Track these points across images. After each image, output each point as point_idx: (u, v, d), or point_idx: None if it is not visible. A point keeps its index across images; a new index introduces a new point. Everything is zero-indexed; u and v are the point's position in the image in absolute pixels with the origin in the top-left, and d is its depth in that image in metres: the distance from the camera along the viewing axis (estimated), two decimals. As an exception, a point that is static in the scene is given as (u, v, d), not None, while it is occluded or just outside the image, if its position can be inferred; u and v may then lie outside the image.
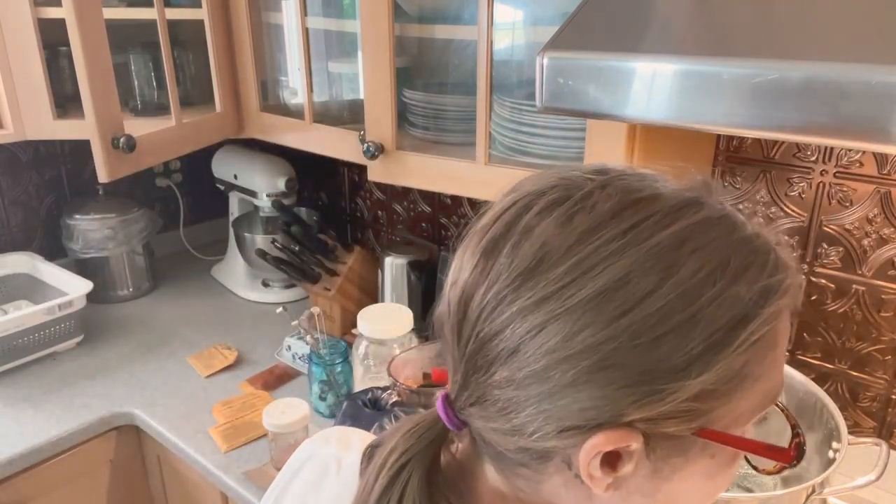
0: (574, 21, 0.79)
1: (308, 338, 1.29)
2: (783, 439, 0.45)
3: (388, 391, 1.01)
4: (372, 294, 1.54)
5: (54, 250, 1.68)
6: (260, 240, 1.63)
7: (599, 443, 0.39)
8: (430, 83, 1.29)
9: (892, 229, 1.03)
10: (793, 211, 1.11)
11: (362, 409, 1.00)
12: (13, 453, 1.17)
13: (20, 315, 1.36)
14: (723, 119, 0.67)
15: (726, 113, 0.66)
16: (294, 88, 1.47)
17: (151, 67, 1.57)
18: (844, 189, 1.05)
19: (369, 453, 0.48)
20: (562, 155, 1.05)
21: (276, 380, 1.38)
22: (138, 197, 1.75)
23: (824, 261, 1.10)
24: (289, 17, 1.38)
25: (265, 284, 1.75)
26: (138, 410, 1.29)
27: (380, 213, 1.75)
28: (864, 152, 1.03)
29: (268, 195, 1.63)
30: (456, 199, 1.56)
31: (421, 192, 1.62)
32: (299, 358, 1.41)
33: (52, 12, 1.22)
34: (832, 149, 1.05)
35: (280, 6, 1.41)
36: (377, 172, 1.21)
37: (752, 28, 0.69)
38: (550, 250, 0.39)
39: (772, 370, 0.41)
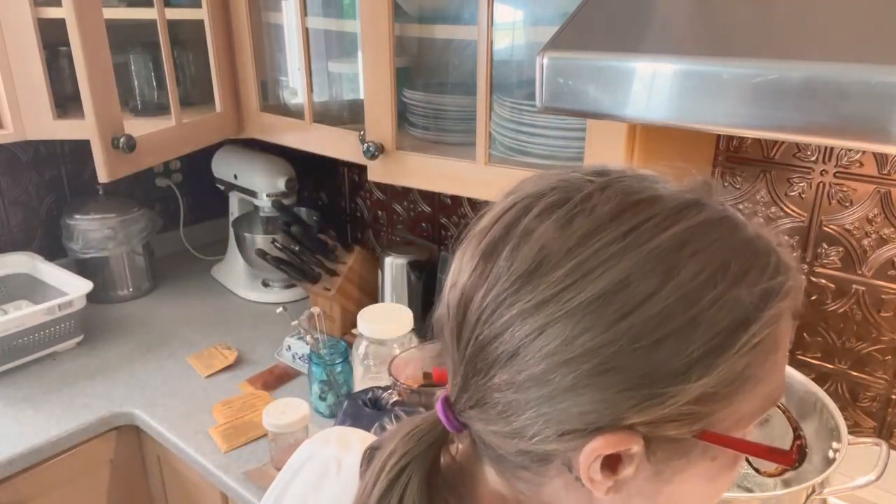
0: (574, 21, 0.79)
1: (308, 338, 1.29)
2: (785, 441, 0.45)
3: (389, 391, 1.01)
4: (372, 294, 1.54)
5: (54, 250, 1.68)
6: (260, 240, 1.63)
7: (600, 446, 0.39)
8: (430, 83, 1.29)
9: (892, 229, 1.03)
10: (793, 211, 1.11)
11: (363, 409, 1.00)
12: (13, 453, 1.17)
13: (20, 315, 1.36)
14: (723, 119, 0.67)
15: (726, 113, 0.66)
16: (294, 88, 1.47)
17: (151, 67, 1.57)
18: (844, 189, 1.05)
19: (369, 455, 0.48)
20: (562, 155, 1.05)
21: (276, 380, 1.38)
22: (138, 197, 1.75)
23: (824, 261, 1.10)
24: (289, 17, 1.38)
25: (265, 284, 1.75)
26: (138, 410, 1.29)
27: (380, 213, 1.75)
28: (864, 152, 1.03)
29: (268, 195, 1.63)
30: (456, 199, 1.56)
31: (421, 192, 1.62)
32: (299, 358, 1.41)
33: (52, 12, 1.22)
34: (832, 149, 1.05)
35: (280, 6, 1.41)
36: (377, 172, 1.21)
37: (752, 28, 0.69)
38: (550, 253, 0.39)
39: (773, 372, 0.41)
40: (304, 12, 1.27)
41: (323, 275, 1.49)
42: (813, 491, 0.79)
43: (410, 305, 1.41)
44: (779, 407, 0.44)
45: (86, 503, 1.32)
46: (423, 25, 1.20)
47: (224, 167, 1.73)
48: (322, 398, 1.26)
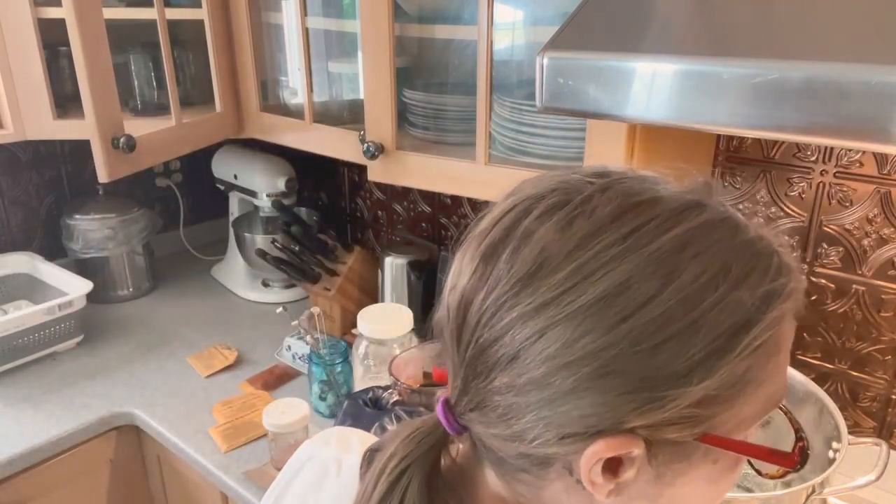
0: (574, 21, 0.79)
1: (308, 338, 1.29)
2: (787, 442, 0.45)
3: (389, 390, 1.01)
4: (372, 294, 1.54)
5: (54, 250, 1.68)
6: (260, 240, 1.63)
7: (600, 449, 0.39)
8: (430, 83, 1.29)
9: (892, 229, 1.03)
10: (793, 211, 1.11)
11: (363, 409, 1.00)
12: (13, 453, 1.17)
13: (20, 315, 1.36)
14: (723, 119, 0.67)
15: (726, 113, 0.66)
16: (294, 88, 1.47)
17: (151, 67, 1.57)
18: (844, 189, 1.05)
19: (369, 457, 0.48)
20: (562, 155, 1.05)
21: (276, 380, 1.38)
22: (138, 197, 1.75)
23: (824, 261, 1.10)
24: (289, 17, 1.38)
25: (265, 284, 1.75)
26: (138, 410, 1.29)
27: (380, 213, 1.75)
28: (864, 152, 1.03)
29: (268, 195, 1.63)
30: (456, 199, 1.56)
31: (421, 192, 1.62)
32: (299, 358, 1.41)
33: (52, 12, 1.22)
34: (832, 149, 1.05)
35: (280, 6, 1.41)
36: (377, 172, 1.21)
37: (752, 28, 0.69)
38: (550, 255, 0.39)
39: (775, 375, 0.41)
40: (304, 12, 1.27)
41: (323, 275, 1.49)
42: (813, 491, 0.79)
43: (410, 305, 1.41)
44: (780, 408, 0.44)
45: (86, 503, 1.32)
46: (423, 25, 1.20)
47: (224, 167, 1.73)
48: (322, 398, 1.26)
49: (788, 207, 1.11)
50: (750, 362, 0.39)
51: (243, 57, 1.41)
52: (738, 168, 1.14)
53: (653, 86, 0.69)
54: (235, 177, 1.69)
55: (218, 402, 1.29)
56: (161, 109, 1.50)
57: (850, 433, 0.84)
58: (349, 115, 1.40)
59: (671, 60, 0.68)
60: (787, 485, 0.81)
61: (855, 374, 1.12)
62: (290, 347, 1.43)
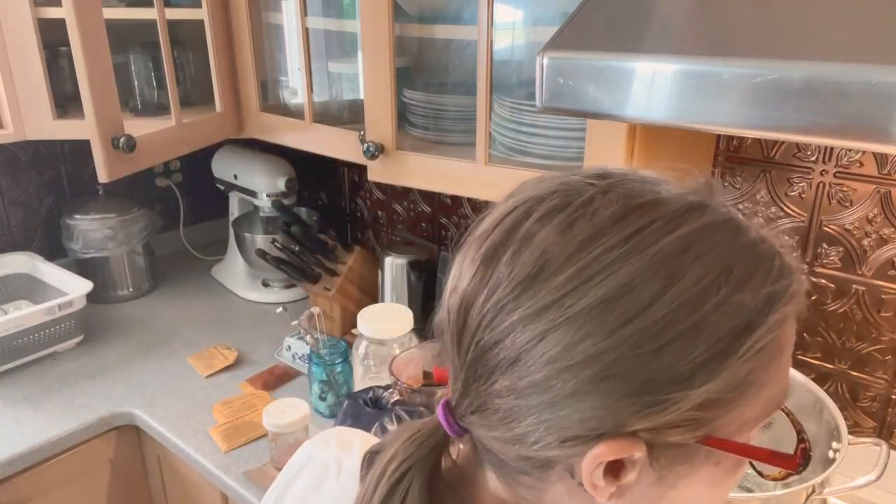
0: (574, 21, 0.79)
1: (308, 338, 1.29)
2: (788, 444, 0.45)
3: (390, 390, 1.01)
4: (372, 294, 1.54)
5: (54, 250, 1.68)
6: (260, 240, 1.63)
7: (602, 453, 0.39)
8: (430, 83, 1.29)
9: (892, 229, 1.03)
10: (793, 211, 1.11)
11: (363, 409, 1.00)
12: (13, 453, 1.17)
13: (20, 315, 1.36)
14: (723, 119, 0.66)
15: (726, 113, 0.66)
16: (294, 88, 1.47)
17: (151, 67, 1.57)
18: (844, 189, 1.05)
19: (369, 459, 0.48)
20: (562, 155, 1.05)
21: (276, 380, 1.38)
22: (138, 197, 1.75)
23: (824, 261, 1.10)
24: (289, 17, 1.38)
25: (265, 284, 1.75)
26: (138, 410, 1.29)
27: (380, 213, 1.75)
28: (864, 152, 1.03)
29: (268, 195, 1.63)
30: (456, 199, 1.56)
31: (421, 192, 1.62)
32: (299, 358, 1.41)
33: (52, 12, 1.22)
34: (832, 149, 1.05)
35: (280, 6, 1.40)
36: (377, 172, 1.21)
37: (752, 28, 0.69)
38: (551, 258, 0.39)
39: (777, 377, 0.41)
40: (304, 12, 1.27)
41: (323, 275, 1.49)
42: (813, 491, 0.79)
43: (410, 305, 1.41)
44: (782, 410, 0.44)
45: (86, 503, 1.32)
46: (423, 25, 1.20)
47: (224, 167, 1.73)
48: (322, 398, 1.26)
49: (788, 207, 1.11)
50: (752, 365, 0.38)
51: (243, 57, 1.41)
52: (738, 168, 1.14)
53: (653, 86, 0.69)
54: (235, 177, 1.69)
55: (218, 402, 1.29)
56: (161, 109, 1.50)
57: (850, 433, 0.84)
58: (349, 115, 1.40)
59: (671, 60, 0.68)
60: (787, 485, 0.81)
61: (855, 374, 1.12)
62: (290, 347, 1.43)
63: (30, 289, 1.56)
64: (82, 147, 1.25)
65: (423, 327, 1.25)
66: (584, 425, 0.38)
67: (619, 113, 0.73)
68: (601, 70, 0.73)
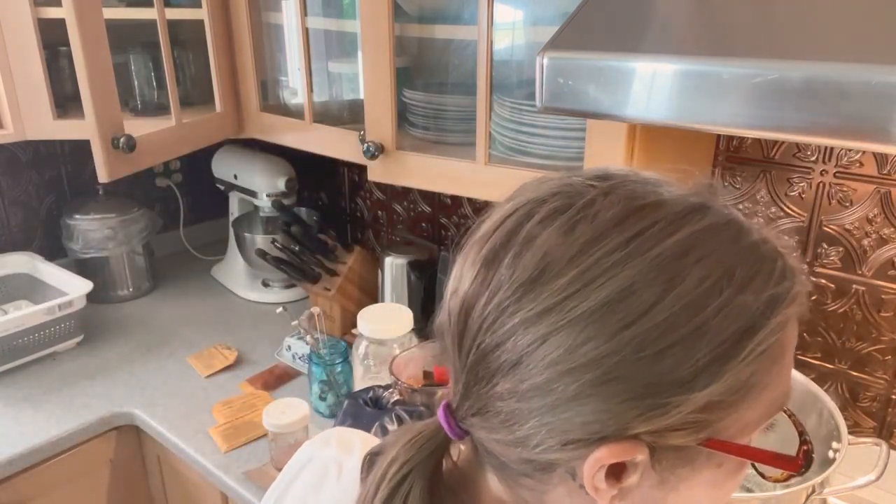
0: (574, 21, 0.79)
1: (308, 338, 1.29)
2: (791, 445, 0.44)
3: (390, 390, 1.01)
4: (372, 294, 1.54)
5: (54, 250, 1.68)
6: (260, 240, 1.63)
7: (604, 456, 0.39)
8: (430, 83, 1.29)
9: (892, 229, 1.03)
10: (793, 211, 1.11)
11: (363, 408, 1.00)
12: (13, 453, 1.17)
13: (20, 315, 1.36)
14: (723, 119, 0.66)
15: (726, 113, 0.66)
16: (294, 88, 1.47)
17: (151, 67, 1.57)
18: (844, 189, 1.05)
19: (369, 461, 0.48)
20: (562, 155, 1.05)
21: (276, 380, 1.38)
22: (138, 197, 1.75)
23: (824, 261, 1.10)
24: (289, 17, 1.38)
25: (265, 284, 1.75)
26: (138, 410, 1.29)
27: (380, 213, 1.75)
28: (864, 152, 1.03)
29: (268, 195, 1.63)
30: (456, 199, 1.56)
31: (421, 192, 1.62)
32: (299, 358, 1.41)
33: (52, 12, 1.22)
34: (832, 149, 1.05)
35: (280, 6, 1.40)
36: (377, 172, 1.21)
37: (752, 28, 0.69)
38: (552, 261, 0.38)
39: (779, 379, 0.41)
40: (304, 12, 1.27)
41: (323, 275, 1.49)
42: (813, 491, 0.79)
43: (410, 305, 1.41)
44: (784, 411, 0.44)
45: (86, 503, 1.32)
46: (423, 25, 1.20)
47: (224, 167, 1.73)
48: (322, 398, 1.26)
49: (788, 207, 1.11)
50: (754, 367, 0.38)
51: (243, 57, 1.41)
52: (738, 168, 1.14)
53: (653, 86, 0.69)
54: (235, 177, 1.69)
55: (218, 402, 1.29)
56: (161, 109, 1.50)
57: (850, 433, 0.84)
58: (349, 115, 1.40)
59: (671, 60, 0.68)
60: (788, 485, 0.81)
61: (855, 374, 1.12)
62: (290, 347, 1.43)
63: (30, 289, 1.56)
64: (82, 147, 1.25)
65: (423, 327, 1.25)
66: (586, 428, 0.38)
67: (619, 113, 0.73)
68: (601, 70, 0.73)
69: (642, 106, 0.71)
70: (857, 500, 0.96)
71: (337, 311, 1.49)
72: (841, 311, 1.10)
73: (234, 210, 1.78)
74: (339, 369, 1.25)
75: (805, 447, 0.44)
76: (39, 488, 1.23)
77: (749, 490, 0.95)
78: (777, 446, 0.43)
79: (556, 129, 1.05)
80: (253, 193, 1.66)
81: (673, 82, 0.68)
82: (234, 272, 1.77)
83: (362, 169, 1.25)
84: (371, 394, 1.02)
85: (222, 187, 1.77)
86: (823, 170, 1.06)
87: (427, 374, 1.04)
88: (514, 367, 0.39)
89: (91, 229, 1.62)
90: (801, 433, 0.45)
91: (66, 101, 1.40)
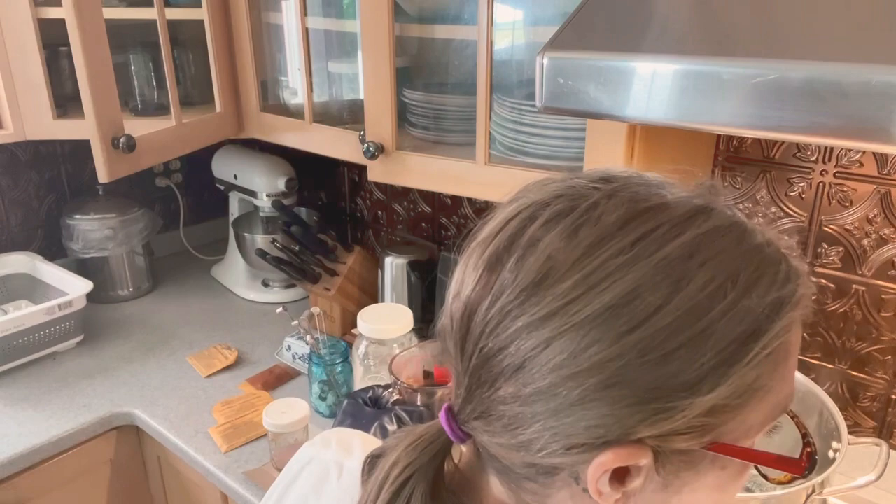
0: (574, 21, 0.79)
1: (308, 338, 1.29)
2: (793, 446, 0.44)
3: (390, 390, 1.01)
4: (372, 294, 1.54)
5: (54, 250, 1.68)
6: (260, 240, 1.63)
7: (608, 460, 0.38)
8: (430, 83, 1.29)
9: (892, 229, 1.03)
10: (793, 211, 1.11)
11: (363, 408, 1.00)
12: (13, 453, 1.17)
13: (20, 315, 1.36)
14: (723, 119, 0.66)
15: (726, 113, 0.66)
16: (294, 88, 1.47)
17: (151, 67, 1.57)
18: (844, 189, 1.05)
19: (370, 464, 0.47)
20: (562, 155, 1.05)
21: (276, 380, 1.38)
22: (138, 197, 1.75)
23: (824, 261, 1.10)
24: (289, 17, 1.38)
25: (265, 284, 1.75)
26: (138, 410, 1.29)
27: (380, 213, 1.75)
28: (864, 152, 1.02)
29: (268, 195, 1.63)
30: (456, 199, 1.56)
31: (421, 192, 1.62)
32: (299, 358, 1.41)
33: (52, 12, 1.22)
34: (832, 149, 1.05)
35: (280, 6, 1.40)
36: (377, 172, 1.21)
37: (752, 28, 0.69)
38: (556, 264, 0.38)
39: (783, 381, 0.41)
40: (304, 12, 1.27)
41: (323, 275, 1.49)
42: (813, 491, 0.79)
43: (410, 305, 1.41)
44: (787, 413, 0.44)
45: (86, 503, 1.32)
46: (423, 25, 1.20)
47: (224, 167, 1.73)
48: (322, 398, 1.26)
49: (788, 207, 1.11)
50: (760, 370, 0.38)
51: (243, 57, 1.41)
52: (738, 168, 1.14)
53: (653, 86, 0.69)
54: (235, 177, 1.69)
55: (218, 402, 1.29)
56: (161, 109, 1.50)
57: (850, 433, 0.84)
58: (349, 115, 1.40)
59: (671, 60, 0.68)
60: (788, 485, 0.81)
61: (855, 374, 1.12)
62: (290, 347, 1.43)
63: (30, 289, 1.56)
64: (82, 147, 1.25)
65: (423, 327, 1.25)
66: (590, 433, 0.38)
67: (619, 113, 0.73)
68: (601, 70, 0.73)
69: (642, 106, 0.71)
70: (857, 500, 0.96)
71: (337, 311, 1.49)
72: (841, 311, 1.10)
73: (234, 210, 1.78)
74: (339, 369, 1.25)
75: (808, 449, 0.44)
76: (39, 488, 1.23)
77: (749, 490, 0.95)
78: (778, 447, 0.43)
79: (556, 129, 1.05)
80: (253, 193, 1.66)
81: (673, 82, 0.68)
82: (234, 272, 1.77)
83: (362, 169, 1.25)
84: (371, 393, 1.02)
85: (222, 187, 1.77)
86: (823, 170, 1.06)
87: (427, 374, 1.04)
88: (517, 371, 0.39)
89: (91, 229, 1.62)
90: (805, 435, 0.45)
91: (66, 101, 1.40)
